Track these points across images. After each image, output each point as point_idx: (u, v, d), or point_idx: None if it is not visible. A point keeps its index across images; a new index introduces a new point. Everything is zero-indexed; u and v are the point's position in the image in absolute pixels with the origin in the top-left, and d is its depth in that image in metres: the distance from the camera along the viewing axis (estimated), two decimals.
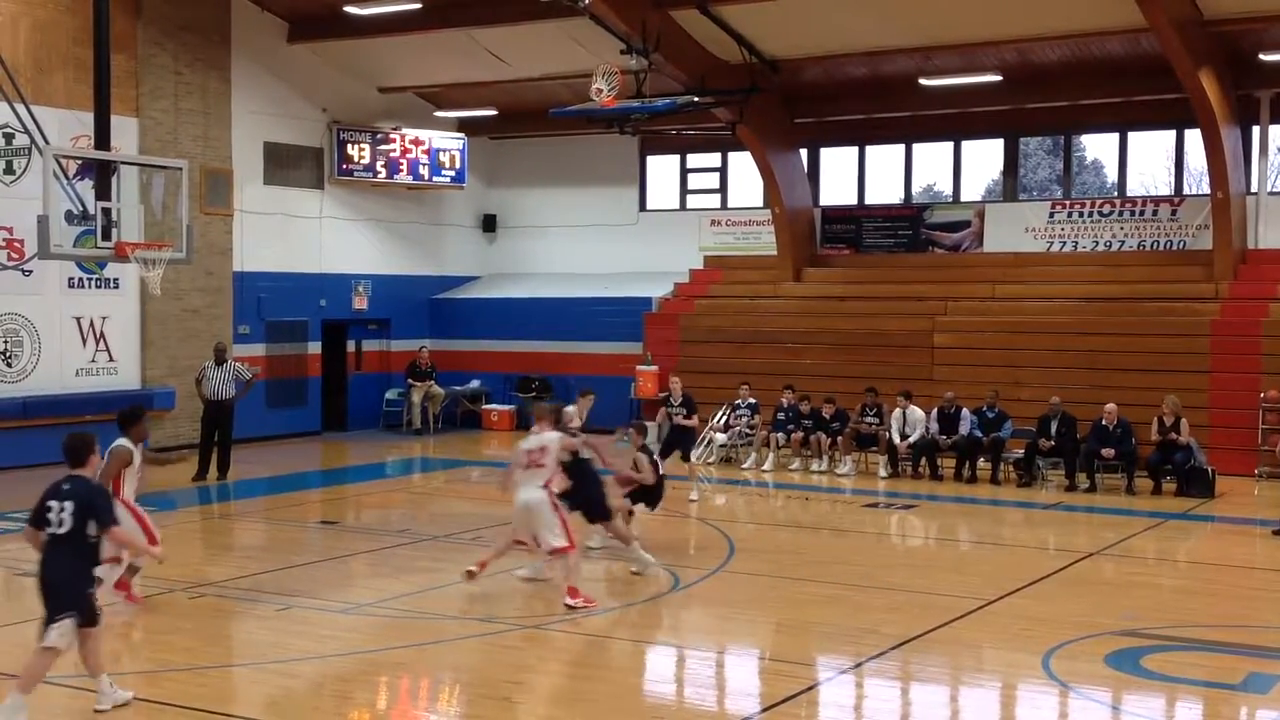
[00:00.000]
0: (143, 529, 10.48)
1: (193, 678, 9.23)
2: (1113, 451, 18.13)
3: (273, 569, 12.67)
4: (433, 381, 25.40)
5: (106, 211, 16.49)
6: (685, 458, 17.80)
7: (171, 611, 11.29)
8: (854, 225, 25.25)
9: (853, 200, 25.45)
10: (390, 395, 26.01)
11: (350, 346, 26.00)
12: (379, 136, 25.40)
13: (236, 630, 11.03)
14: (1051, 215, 23.50)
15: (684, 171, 26.91)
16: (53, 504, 8.02)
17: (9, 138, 19.43)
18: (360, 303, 25.82)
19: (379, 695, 9.07)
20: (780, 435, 20.58)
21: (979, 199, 24.67)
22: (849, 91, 23.90)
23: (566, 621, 10.96)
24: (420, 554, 13.61)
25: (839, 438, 20.11)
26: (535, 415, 11.99)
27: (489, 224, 28.52)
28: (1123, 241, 22.94)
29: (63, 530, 7.93)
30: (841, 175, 25.64)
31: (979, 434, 19.25)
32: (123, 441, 10.61)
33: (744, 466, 20.48)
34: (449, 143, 26.38)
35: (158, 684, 9.17)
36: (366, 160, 25.28)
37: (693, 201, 26.88)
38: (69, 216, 17.74)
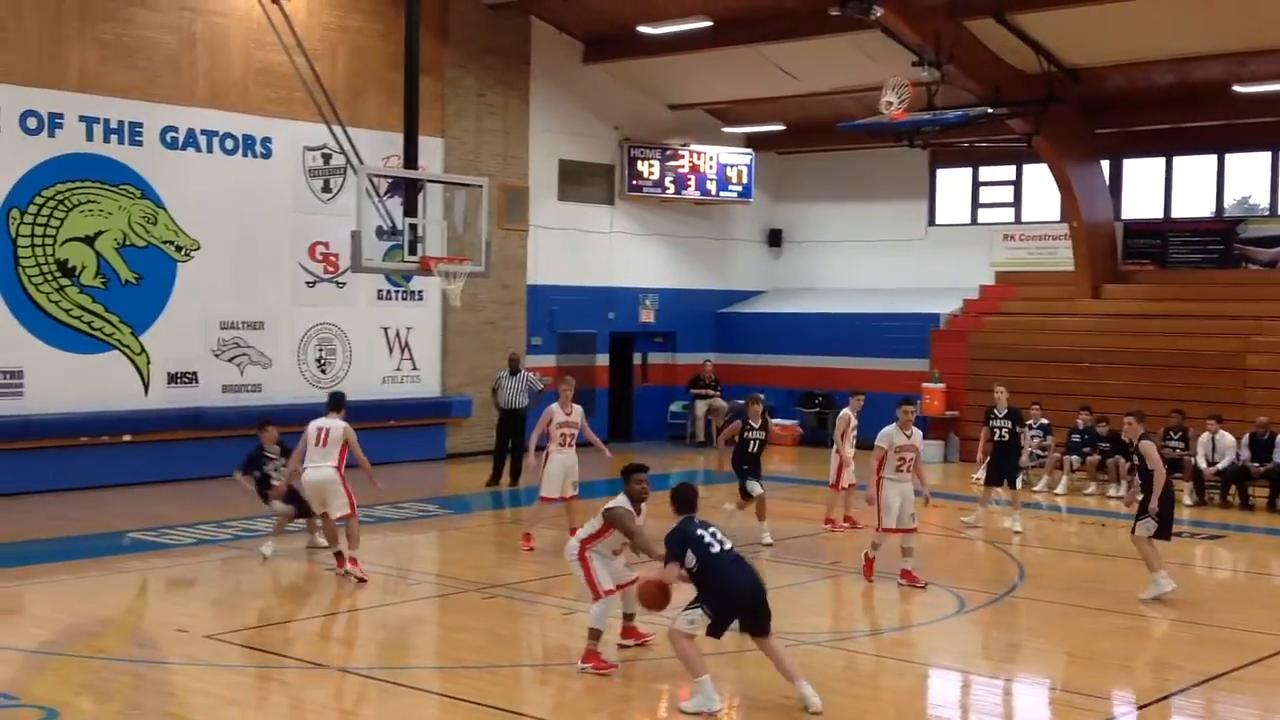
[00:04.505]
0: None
1: (485, 675, 9.59)
2: None
3: (561, 574, 12.97)
4: (717, 395, 25.59)
5: (413, 227, 17.39)
6: (1011, 482, 16.45)
7: (465, 610, 11.79)
8: (1159, 240, 24.05)
9: (1158, 214, 24.24)
10: (674, 408, 26.35)
11: (637, 359, 26.50)
12: (668, 153, 25.84)
13: (525, 631, 11.40)
14: None
15: (975, 184, 26.26)
16: (704, 533, 8.89)
17: (327, 158, 20.74)
18: (647, 316, 26.30)
19: (659, 703, 9.18)
20: (1075, 458, 19.77)
21: None
22: (1155, 100, 22.79)
23: (844, 639, 10.84)
24: None
25: None
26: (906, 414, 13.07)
27: (775, 239, 28.59)
28: None
29: (730, 546, 8.98)
30: (1146, 187, 24.47)
31: None
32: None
33: (1035, 489, 19.76)
34: (736, 158, 26.60)
35: (452, 679, 9.59)
36: (656, 176, 25.76)
37: (984, 215, 26.20)
38: (379, 232, 18.69)
